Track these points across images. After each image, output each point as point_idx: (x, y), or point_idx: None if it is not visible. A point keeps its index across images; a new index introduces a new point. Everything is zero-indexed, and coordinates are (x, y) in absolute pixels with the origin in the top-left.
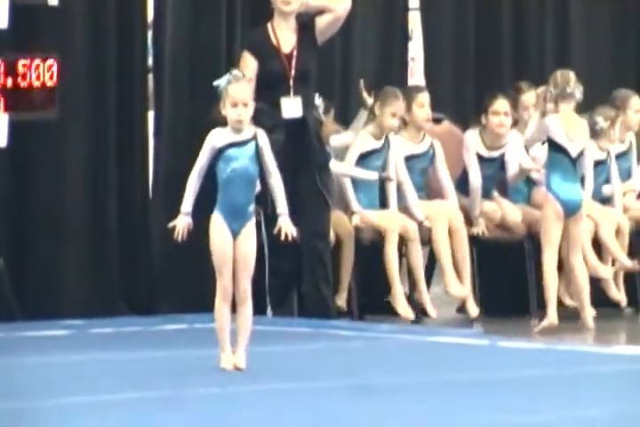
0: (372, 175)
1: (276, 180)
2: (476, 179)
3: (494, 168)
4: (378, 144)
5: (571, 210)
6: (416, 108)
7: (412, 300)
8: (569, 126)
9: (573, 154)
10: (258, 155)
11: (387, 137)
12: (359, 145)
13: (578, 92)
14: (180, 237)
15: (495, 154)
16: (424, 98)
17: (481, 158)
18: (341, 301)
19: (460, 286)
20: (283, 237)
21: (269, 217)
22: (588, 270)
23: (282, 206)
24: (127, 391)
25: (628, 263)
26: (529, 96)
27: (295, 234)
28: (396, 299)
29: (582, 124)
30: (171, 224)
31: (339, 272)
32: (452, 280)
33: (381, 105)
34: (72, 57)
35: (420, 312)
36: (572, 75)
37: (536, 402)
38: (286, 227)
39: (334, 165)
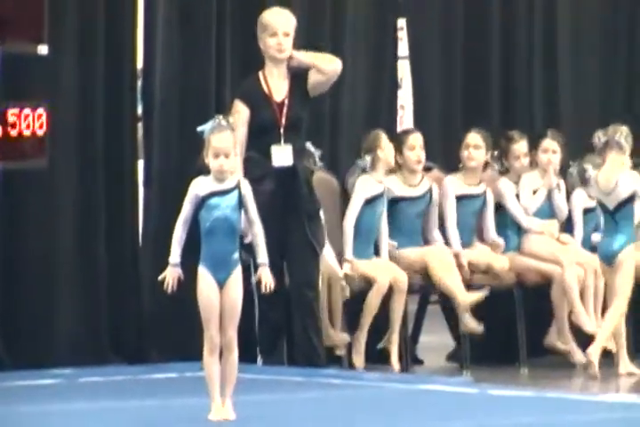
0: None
1: (257, 229)
2: (451, 226)
3: (476, 206)
4: (381, 188)
5: (608, 260)
6: (407, 150)
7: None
8: (609, 177)
9: (610, 206)
10: (241, 204)
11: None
12: (362, 190)
13: (626, 142)
14: (170, 289)
15: (475, 191)
16: (415, 140)
17: (462, 197)
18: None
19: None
20: (263, 288)
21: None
22: (574, 318)
23: (262, 256)
24: None
25: (587, 327)
26: (520, 145)
27: (273, 285)
28: (355, 346)
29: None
30: (160, 277)
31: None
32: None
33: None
34: (61, 106)
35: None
36: (624, 128)
37: None
38: (265, 277)
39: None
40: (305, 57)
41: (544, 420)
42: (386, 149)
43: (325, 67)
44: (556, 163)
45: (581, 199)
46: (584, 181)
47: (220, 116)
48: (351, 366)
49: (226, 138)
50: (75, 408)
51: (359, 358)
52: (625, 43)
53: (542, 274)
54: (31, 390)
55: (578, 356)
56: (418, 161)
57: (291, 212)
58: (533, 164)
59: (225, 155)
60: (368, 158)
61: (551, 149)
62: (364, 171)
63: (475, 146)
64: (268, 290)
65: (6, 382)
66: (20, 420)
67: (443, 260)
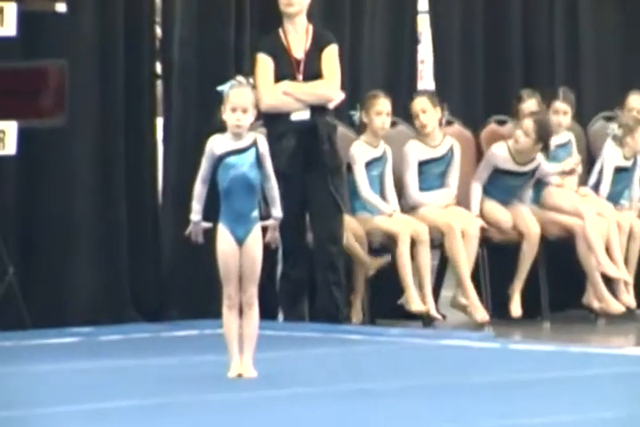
0: (387, 209)
1: (273, 185)
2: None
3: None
4: (377, 152)
5: None
6: (374, 115)
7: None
8: None
9: None
10: (259, 161)
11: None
12: (360, 156)
13: None
14: (198, 240)
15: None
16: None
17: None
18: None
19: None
20: (266, 241)
21: (283, 222)
22: (599, 269)
23: (276, 211)
24: (137, 398)
25: (611, 273)
26: (529, 104)
27: (278, 243)
28: (409, 299)
29: None
30: (187, 231)
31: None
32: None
33: (364, 110)
34: (80, 64)
35: (426, 315)
36: None
37: (548, 404)
38: (272, 233)
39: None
40: (296, 89)
41: (566, 374)
42: (371, 113)
43: (306, 99)
44: (567, 123)
45: (613, 156)
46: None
47: (241, 76)
48: (373, 322)
49: (244, 93)
50: (94, 366)
51: (420, 306)
52: None
53: (564, 227)
54: (51, 349)
55: (614, 307)
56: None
57: (313, 168)
58: None
59: (242, 110)
60: (357, 115)
61: (562, 111)
62: (352, 125)
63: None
64: (273, 246)
65: (27, 341)
66: (41, 378)
67: (464, 227)
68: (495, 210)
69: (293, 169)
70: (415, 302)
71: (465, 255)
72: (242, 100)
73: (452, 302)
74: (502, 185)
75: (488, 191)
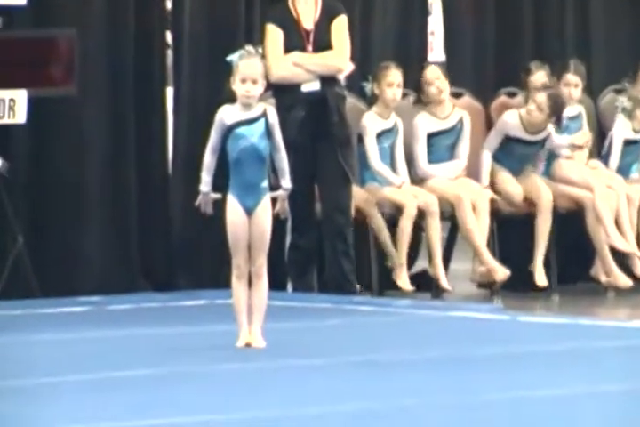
0: (396, 180)
1: (282, 156)
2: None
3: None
4: (388, 124)
5: None
6: (426, 85)
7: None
8: None
9: None
10: (268, 131)
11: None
12: (372, 127)
13: None
14: (207, 211)
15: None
16: (432, 73)
17: (520, 140)
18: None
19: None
20: (275, 212)
21: (292, 192)
22: (608, 242)
23: (285, 182)
24: (146, 367)
25: (619, 245)
26: (538, 76)
27: (287, 214)
28: (399, 275)
29: None
30: (197, 202)
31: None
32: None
33: (376, 81)
34: (90, 32)
35: (436, 287)
36: None
37: (556, 377)
38: (281, 202)
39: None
40: (305, 60)
41: (574, 346)
42: (383, 84)
43: (315, 69)
44: (578, 95)
45: (622, 129)
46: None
47: (250, 46)
48: (381, 293)
49: (254, 64)
50: (103, 335)
51: (405, 282)
52: None
53: (574, 199)
54: (61, 318)
55: (621, 280)
56: (439, 91)
57: (322, 138)
58: None
59: (252, 81)
60: (368, 86)
61: (573, 83)
62: (364, 96)
63: (437, 77)
64: (282, 217)
65: (36, 310)
66: (50, 347)
67: (473, 199)
68: (507, 182)
69: (302, 140)
70: (403, 278)
71: (476, 225)
72: (251, 70)
73: (472, 277)
74: (513, 153)
75: (499, 160)
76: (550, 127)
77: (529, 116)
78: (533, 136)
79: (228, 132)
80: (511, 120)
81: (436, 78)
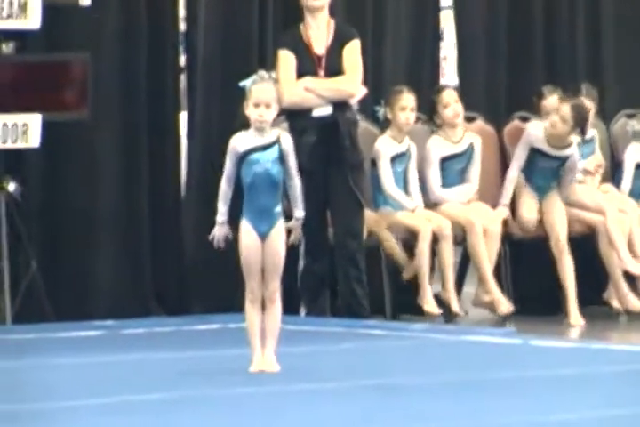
0: (410, 205)
1: (296, 184)
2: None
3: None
4: (401, 148)
5: None
6: (441, 108)
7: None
8: None
9: None
10: (282, 157)
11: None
12: (386, 151)
13: None
14: (220, 245)
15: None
16: (449, 96)
17: (543, 153)
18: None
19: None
20: (289, 242)
21: (305, 218)
22: (620, 265)
23: (298, 211)
24: (159, 391)
25: (632, 269)
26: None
27: (301, 239)
28: (424, 298)
29: None
30: (210, 237)
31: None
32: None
33: (389, 105)
34: (103, 57)
35: (448, 311)
36: None
37: (569, 401)
38: (295, 233)
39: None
40: (317, 85)
41: (587, 371)
42: (396, 108)
43: (327, 95)
44: (591, 119)
45: (634, 153)
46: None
47: (263, 71)
48: (395, 317)
49: (267, 89)
50: (117, 359)
51: (432, 306)
52: None
53: (587, 224)
54: (74, 342)
55: (634, 305)
56: (407, 123)
57: (334, 163)
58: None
59: (266, 105)
60: (381, 110)
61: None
62: (376, 121)
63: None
64: (294, 243)
65: (50, 334)
66: (64, 371)
67: (485, 223)
68: (526, 207)
69: (315, 164)
70: (429, 302)
71: (486, 251)
72: (265, 95)
73: (474, 301)
74: (536, 166)
75: (525, 175)
76: (575, 147)
77: (553, 128)
78: (557, 151)
79: (242, 158)
80: (535, 132)
81: (453, 101)
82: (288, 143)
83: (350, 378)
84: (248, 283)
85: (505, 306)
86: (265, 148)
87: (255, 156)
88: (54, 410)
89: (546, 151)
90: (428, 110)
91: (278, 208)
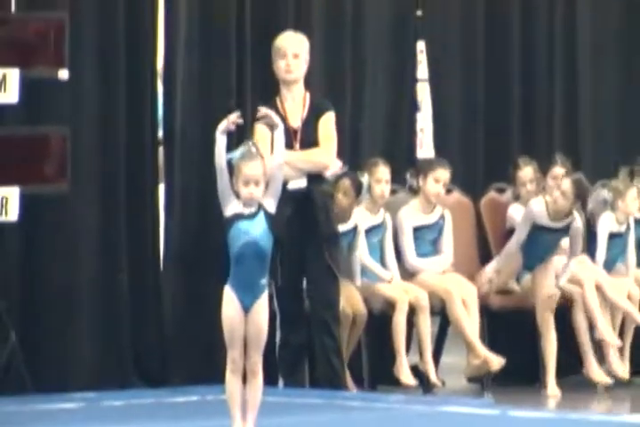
0: (386, 275)
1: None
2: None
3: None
4: (377, 219)
5: None
6: (431, 181)
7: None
8: None
9: None
10: (270, 226)
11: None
12: (361, 223)
13: None
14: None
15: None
16: (442, 174)
17: (545, 228)
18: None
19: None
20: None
21: (281, 289)
22: (598, 335)
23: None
24: None
25: (611, 340)
26: (525, 172)
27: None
28: (399, 369)
29: None
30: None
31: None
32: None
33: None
34: (82, 130)
35: (426, 382)
36: None
37: None
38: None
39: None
40: (292, 157)
41: None
42: (371, 180)
43: (302, 166)
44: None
45: (607, 223)
46: (609, 207)
47: (250, 143)
48: (373, 388)
49: (256, 166)
50: None
51: (408, 377)
52: None
53: (563, 294)
54: (54, 414)
55: (598, 377)
56: (436, 195)
57: (308, 236)
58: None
59: (255, 183)
60: (365, 181)
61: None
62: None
63: (446, 181)
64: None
65: (29, 406)
66: None
67: (463, 294)
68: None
69: (290, 236)
70: (404, 372)
71: (468, 318)
72: (254, 172)
73: (465, 371)
74: (537, 241)
75: (525, 250)
76: (576, 214)
77: (555, 204)
78: (557, 223)
79: (230, 223)
80: (538, 208)
81: (444, 179)
82: (270, 204)
83: None
84: (230, 352)
85: (496, 361)
86: (251, 216)
87: (244, 225)
88: None
89: (548, 226)
90: (415, 177)
91: (264, 281)
